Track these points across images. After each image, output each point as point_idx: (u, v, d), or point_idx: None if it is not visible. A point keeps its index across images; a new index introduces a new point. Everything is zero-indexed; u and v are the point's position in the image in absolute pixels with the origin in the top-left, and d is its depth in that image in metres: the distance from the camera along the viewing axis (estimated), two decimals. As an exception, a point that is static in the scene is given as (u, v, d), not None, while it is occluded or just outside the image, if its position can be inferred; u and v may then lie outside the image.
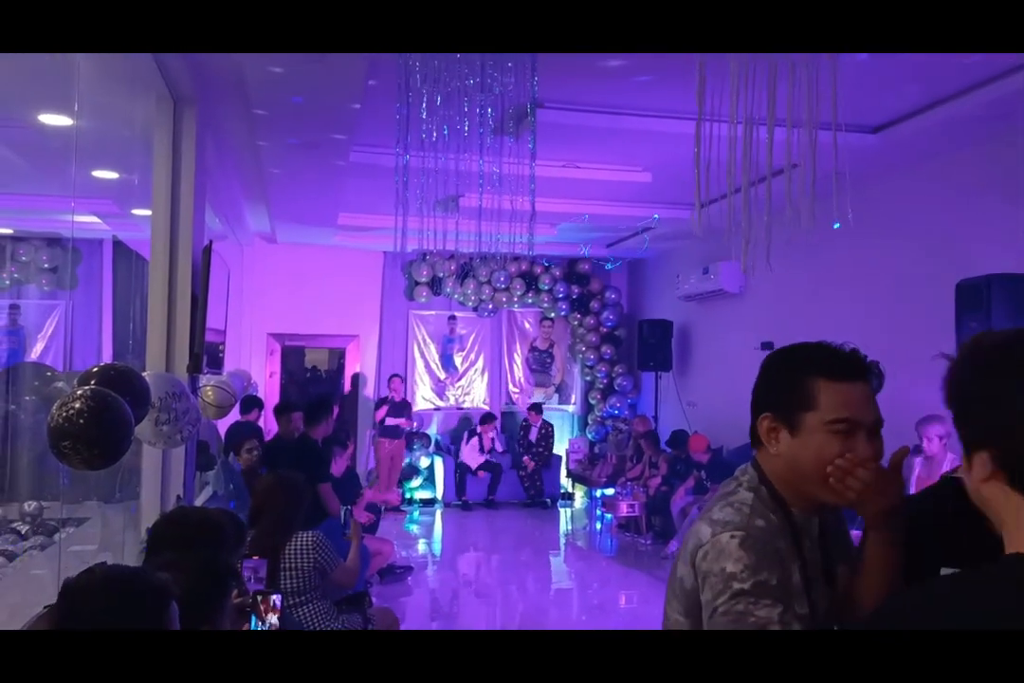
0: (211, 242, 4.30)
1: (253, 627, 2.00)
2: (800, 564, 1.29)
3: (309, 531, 3.33)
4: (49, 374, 6.67)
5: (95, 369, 2.74)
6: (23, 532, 5.76)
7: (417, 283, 9.32)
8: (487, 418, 9.04)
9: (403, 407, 8.74)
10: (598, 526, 8.18)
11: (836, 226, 3.11)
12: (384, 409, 8.60)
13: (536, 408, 9.27)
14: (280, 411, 5.34)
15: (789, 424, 1.31)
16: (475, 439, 8.92)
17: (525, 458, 8.97)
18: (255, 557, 2.60)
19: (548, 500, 9.05)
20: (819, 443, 1.28)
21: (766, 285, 7.18)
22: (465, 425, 9.39)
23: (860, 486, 1.26)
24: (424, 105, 3.62)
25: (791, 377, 1.33)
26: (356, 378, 9.45)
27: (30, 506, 5.89)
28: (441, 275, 9.18)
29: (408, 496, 8.93)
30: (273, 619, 2.00)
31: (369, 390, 9.43)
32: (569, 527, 8.60)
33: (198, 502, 4.45)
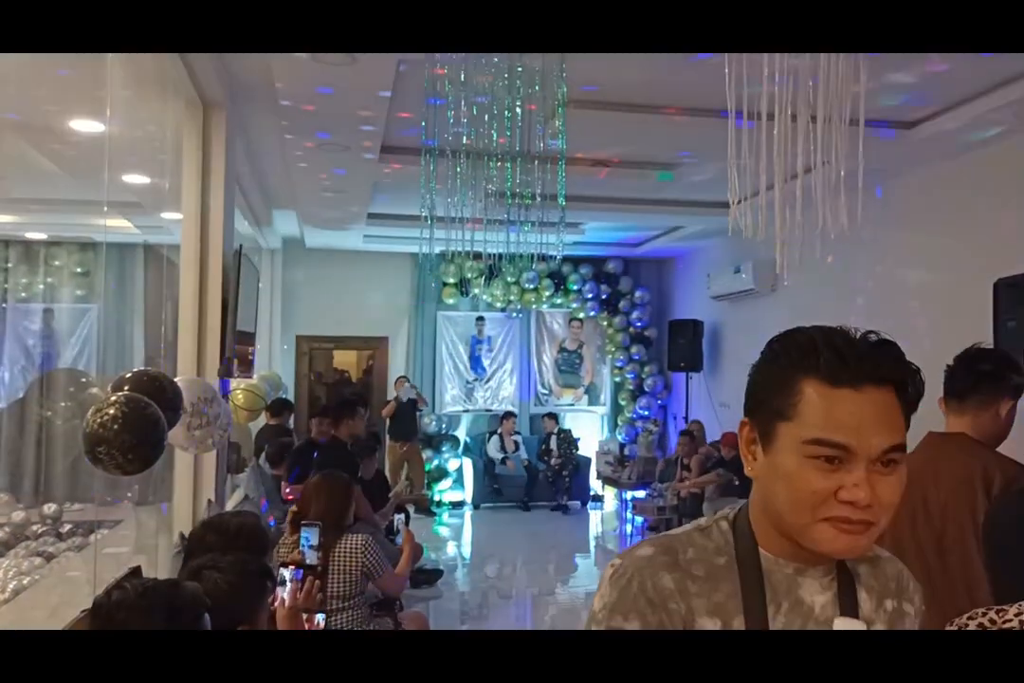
0: (241, 246, 4.32)
1: None
2: (749, 617, 0.95)
3: (359, 534, 3.29)
4: (84, 380, 6.76)
5: (128, 375, 2.75)
6: (62, 533, 5.83)
7: (445, 284, 9.32)
8: (507, 415, 9.04)
9: (412, 405, 8.69)
10: (628, 529, 8.12)
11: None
12: (392, 406, 8.54)
13: (551, 416, 9.23)
14: (313, 416, 5.35)
15: (763, 435, 0.98)
16: (496, 438, 8.91)
17: (552, 460, 8.95)
18: (292, 565, 2.59)
19: (570, 503, 8.93)
20: (791, 469, 0.92)
21: (799, 284, 7.07)
22: (492, 426, 9.35)
23: None
24: (451, 105, 3.60)
25: (773, 372, 0.97)
26: (385, 381, 9.48)
27: (50, 508, 5.95)
28: (469, 276, 9.17)
29: (437, 498, 8.94)
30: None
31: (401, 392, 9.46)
32: (599, 530, 8.54)
33: (229, 505, 4.47)
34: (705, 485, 7.06)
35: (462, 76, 3.31)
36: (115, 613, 1.44)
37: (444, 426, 9.26)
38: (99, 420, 2.41)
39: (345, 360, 9.81)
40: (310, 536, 2.20)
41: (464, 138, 3.56)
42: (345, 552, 3.20)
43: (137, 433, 2.42)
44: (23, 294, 8.13)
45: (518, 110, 3.52)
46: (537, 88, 3.36)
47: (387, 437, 8.60)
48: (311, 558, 2.21)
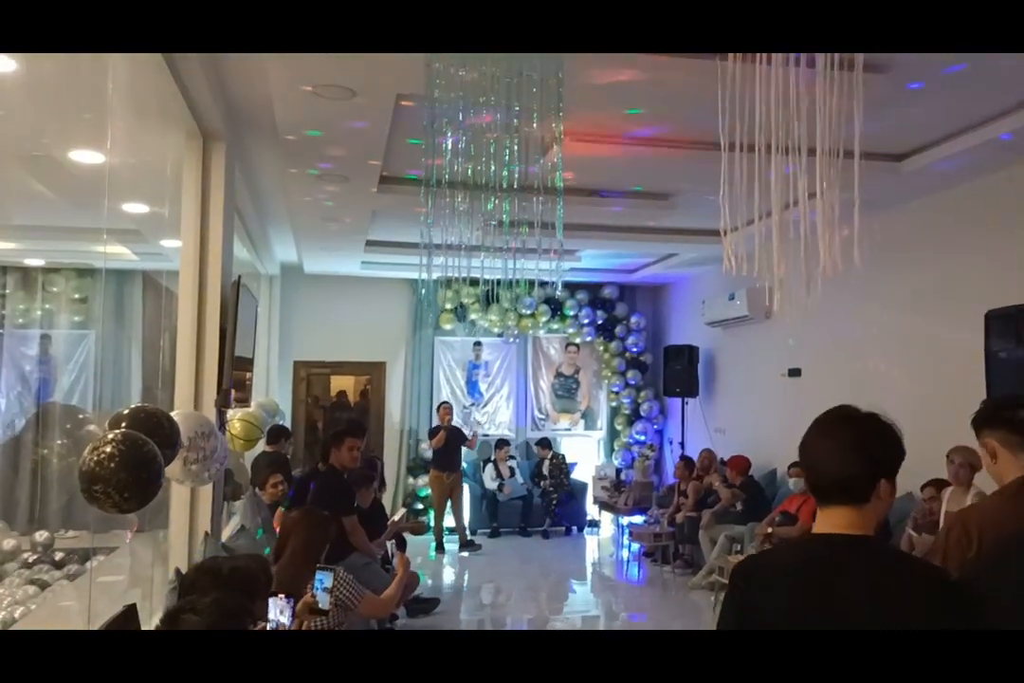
0: (240, 277, 4.35)
1: None
2: None
3: (332, 568, 3.29)
4: (81, 417, 6.77)
5: (126, 411, 2.76)
6: (57, 560, 5.80)
7: (443, 310, 9.35)
8: (500, 443, 8.98)
9: (459, 434, 8.51)
10: (624, 555, 8.09)
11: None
12: (441, 438, 8.30)
13: (543, 442, 9.17)
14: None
15: None
16: (490, 466, 8.87)
17: (543, 483, 8.93)
18: (281, 595, 2.58)
19: (553, 530, 8.90)
20: None
21: (792, 312, 7.11)
22: (487, 452, 9.32)
23: None
24: (449, 136, 3.63)
25: None
26: (383, 406, 9.46)
27: (41, 536, 5.92)
28: (466, 302, 9.20)
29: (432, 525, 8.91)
30: None
31: (396, 418, 9.43)
32: (596, 555, 8.50)
33: (225, 535, 4.45)
34: (726, 501, 6.94)
35: (460, 108, 3.34)
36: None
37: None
38: (96, 458, 2.41)
39: (342, 385, 9.81)
40: (324, 579, 2.18)
41: (460, 171, 3.60)
42: None
43: (134, 471, 2.42)
44: (21, 320, 8.15)
45: (516, 144, 3.57)
46: (535, 124, 3.41)
47: (432, 467, 8.49)
48: (323, 602, 2.19)
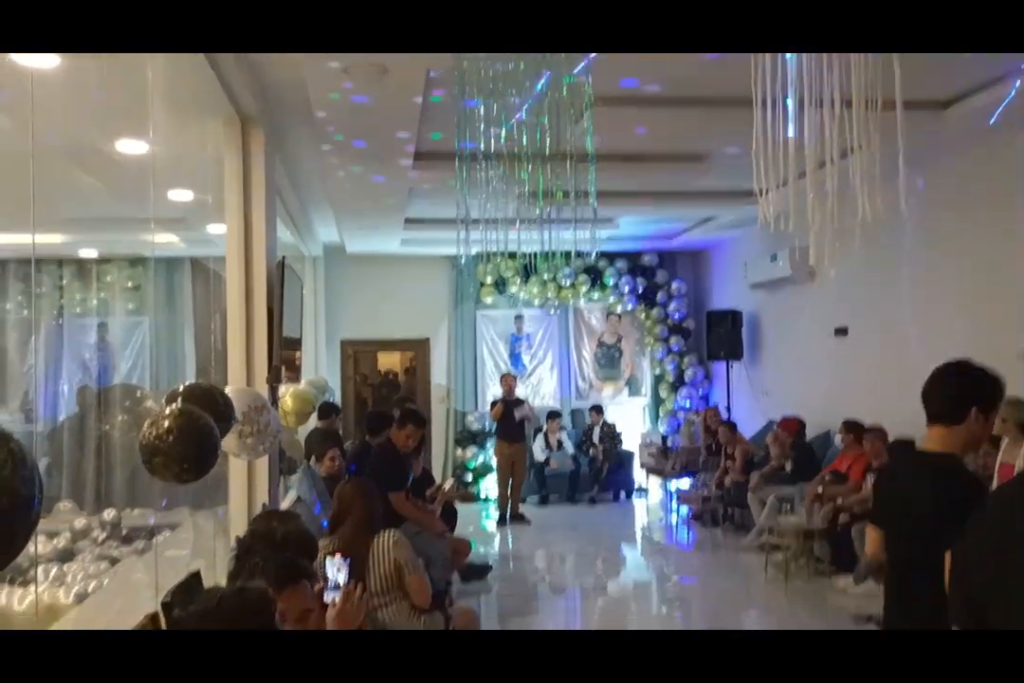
0: (284, 258, 4.45)
1: None
2: None
3: (390, 530, 3.45)
4: (139, 394, 7.03)
5: (181, 388, 2.90)
6: (124, 536, 6.07)
7: (483, 284, 9.41)
8: (552, 415, 9.03)
9: (518, 405, 8.46)
10: (674, 519, 8.14)
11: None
12: (499, 410, 8.33)
13: (597, 409, 9.23)
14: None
15: None
16: (541, 436, 8.94)
17: (592, 451, 9.00)
18: (337, 555, 2.68)
19: (600, 497, 9.00)
20: None
21: (837, 270, 7.00)
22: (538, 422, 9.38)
23: None
24: (482, 112, 3.65)
25: None
26: (428, 381, 9.59)
27: (109, 515, 6.18)
28: (506, 275, 9.24)
29: (484, 495, 9.07)
30: None
31: (442, 391, 9.56)
32: (645, 520, 8.58)
33: (283, 508, 4.61)
34: (775, 458, 6.93)
35: (491, 72, 3.34)
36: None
37: (487, 423, 9.35)
38: (155, 432, 2.54)
39: (388, 362, 9.97)
40: (338, 565, 2.34)
41: (493, 142, 3.62)
42: (379, 549, 3.37)
43: (191, 443, 2.55)
44: (78, 310, 8.45)
45: (546, 110, 3.56)
46: (564, 92, 3.41)
47: (496, 437, 8.55)
48: (339, 581, 2.34)
